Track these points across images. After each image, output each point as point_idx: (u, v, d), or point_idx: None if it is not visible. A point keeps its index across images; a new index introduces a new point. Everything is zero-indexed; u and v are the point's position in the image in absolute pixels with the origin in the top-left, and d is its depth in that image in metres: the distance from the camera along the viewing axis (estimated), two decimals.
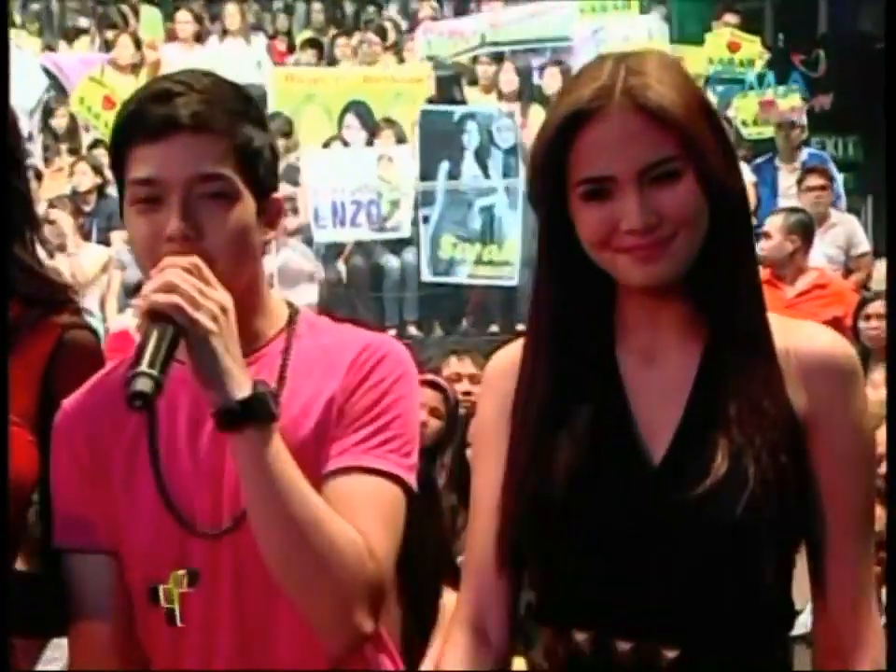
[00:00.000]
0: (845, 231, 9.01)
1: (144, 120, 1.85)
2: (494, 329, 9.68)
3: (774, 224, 7.69)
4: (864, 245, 9.02)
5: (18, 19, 13.17)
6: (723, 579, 1.68)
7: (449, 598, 3.67)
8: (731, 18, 12.01)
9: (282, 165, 8.61)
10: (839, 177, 9.93)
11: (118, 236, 9.43)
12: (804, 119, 10.41)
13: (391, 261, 9.96)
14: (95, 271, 9.34)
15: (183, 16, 12.19)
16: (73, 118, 11.04)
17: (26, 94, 10.64)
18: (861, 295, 7.57)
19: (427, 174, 9.90)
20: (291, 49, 13.19)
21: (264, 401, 1.76)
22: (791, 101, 10.39)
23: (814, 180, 9.01)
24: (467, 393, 5.16)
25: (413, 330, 9.71)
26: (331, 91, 11.19)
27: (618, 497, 1.70)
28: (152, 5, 13.42)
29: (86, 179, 10.00)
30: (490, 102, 10.88)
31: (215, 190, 1.84)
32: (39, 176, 10.06)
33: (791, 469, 1.68)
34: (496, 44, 11.74)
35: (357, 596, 1.79)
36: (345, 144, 10.46)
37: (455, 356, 5.64)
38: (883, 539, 1.86)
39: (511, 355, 1.84)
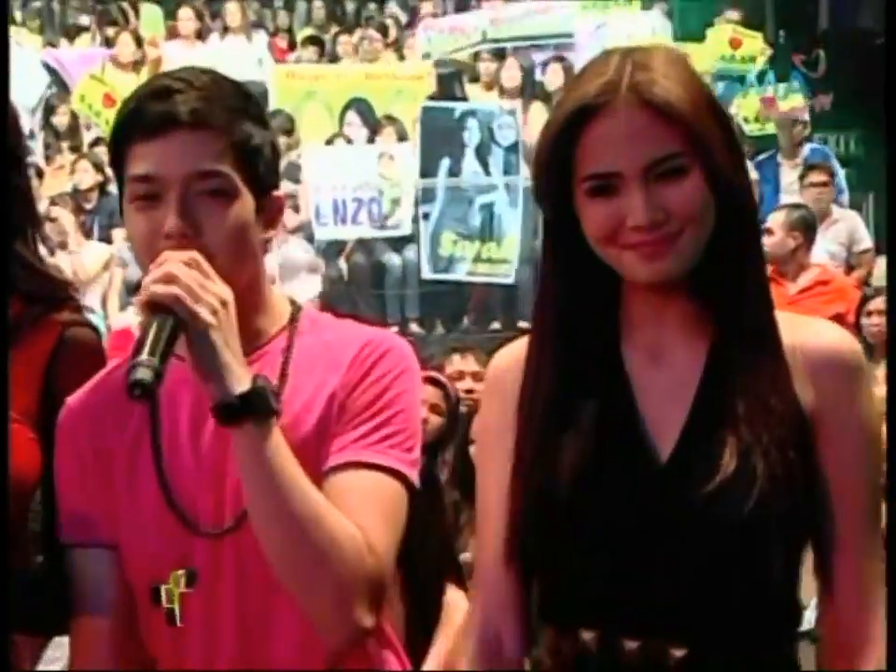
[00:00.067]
0: (846, 228, 9.01)
1: (142, 117, 1.84)
2: (495, 326, 9.67)
3: (776, 220, 7.69)
4: (866, 241, 9.02)
5: (19, 16, 13.17)
6: (732, 577, 1.67)
7: (452, 596, 3.67)
8: (732, 14, 11.99)
9: (283, 163, 8.59)
10: (841, 173, 9.92)
11: (119, 234, 9.43)
12: (806, 116, 10.40)
13: (392, 259, 9.96)
14: (97, 268, 9.35)
15: (185, 13, 12.18)
16: (74, 115, 11.04)
17: (27, 92, 10.65)
18: (863, 291, 7.57)
19: (427, 171, 9.89)
20: (292, 46, 13.19)
21: (263, 396, 1.75)
22: (792, 101, 10.38)
23: (816, 176, 9.01)
24: (469, 391, 5.15)
25: (414, 328, 9.70)
26: (332, 89, 11.19)
27: (625, 494, 1.69)
28: (152, 2, 13.42)
29: (87, 177, 10.01)
30: (492, 99, 10.87)
31: (213, 187, 1.84)
32: (41, 174, 10.07)
33: (798, 465, 1.68)
34: (496, 40, 11.73)
35: (357, 591, 1.78)
36: (349, 141, 10.45)
37: (458, 353, 5.63)
38: (884, 536, 1.85)
39: (514, 352, 1.83)
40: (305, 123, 10.92)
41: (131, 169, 1.85)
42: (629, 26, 11.22)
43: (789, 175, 9.82)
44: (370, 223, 9.88)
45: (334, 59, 12.42)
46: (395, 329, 8.87)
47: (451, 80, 11.04)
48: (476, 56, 11.65)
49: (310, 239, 9.82)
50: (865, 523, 1.72)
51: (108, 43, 12.13)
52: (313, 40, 12.75)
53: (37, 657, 2.13)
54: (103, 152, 9.64)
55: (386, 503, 1.85)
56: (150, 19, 12.99)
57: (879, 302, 6.60)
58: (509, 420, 1.78)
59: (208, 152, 1.83)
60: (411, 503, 1.88)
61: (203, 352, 1.75)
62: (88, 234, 9.78)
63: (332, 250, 10.01)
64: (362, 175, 9.86)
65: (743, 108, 10.66)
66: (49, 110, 11.37)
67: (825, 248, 8.59)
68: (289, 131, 10.43)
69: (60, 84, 11.69)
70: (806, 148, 10.18)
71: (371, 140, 10.45)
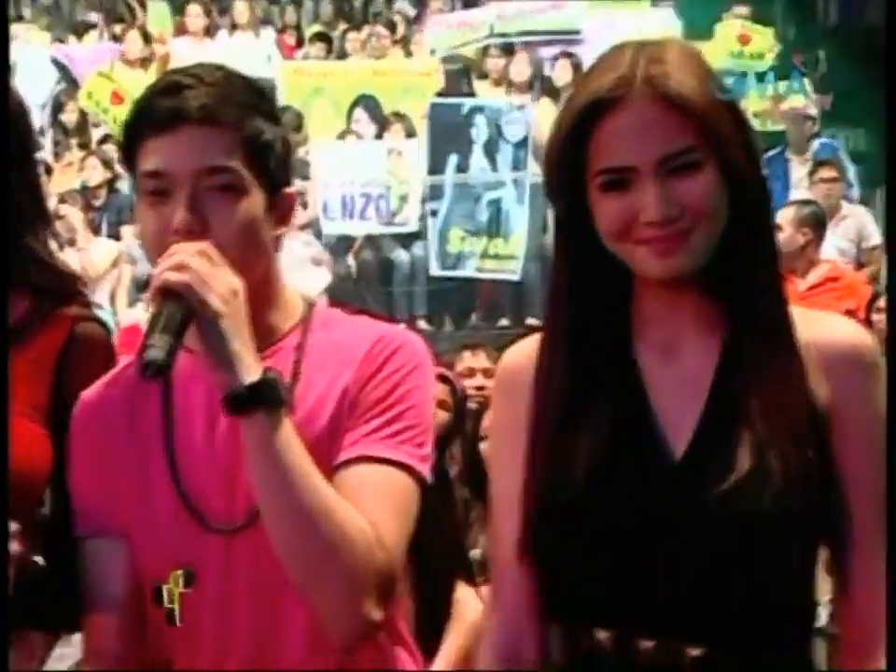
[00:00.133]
0: (856, 224, 8.98)
1: (153, 113, 1.85)
2: (504, 322, 9.65)
3: (785, 217, 7.66)
4: (875, 237, 8.98)
5: (27, 13, 13.18)
6: (748, 575, 1.65)
7: (462, 593, 3.66)
8: (741, 9, 11.97)
9: None
10: (851, 168, 9.90)
11: (128, 231, 9.44)
12: (814, 111, 10.38)
13: (401, 255, 9.95)
14: (105, 265, 9.35)
15: (194, 9, 12.16)
16: (83, 112, 11.03)
17: (37, 89, 10.65)
18: (874, 288, 7.55)
19: (435, 167, 9.88)
20: (300, 42, 13.16)
21: (274, 386, 1.75)
22: (794, 101, 10.37)
23: (825, 172, 8.99)
24: (480, 387, 5.14)
25: (422, 324, 9.69)
26: (340, 85, 11.18)
27: (638, 492, 1.67)
28: None
29: (96, 174, 10.01)
30: (500, 95, 10.85)
31: (222, 183, 1.84)
32: (49, 171, 10.07)
33: (814, 462, 1.66)
34: (504, 35, 11.71)
35: (367, 585, 1.78)
36: (359, 137, 10.45)
37: (469, 350, 5.63)
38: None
39: (524, 349, 1.82)
40: (313, 120, 10.92)
41: (141, 165, 1.86)
42: (638, 21, 11.20)
43: (798, 170, 9.79)
44: (378, 219, 9.88)
45: (342, 55, 12.40)
46: (403, 325, 8.86)
47: (459, 76, 11.03)
48: (484, 52, 11.62)
49: (318, 235, 9.82)
50: (882, 519, 1.70)
51: (116, 40, 12.13)
52: (321, 37, 12.74)
53: (46, 654, 2.12)
54: (111, 149, 9.65)
55: (397, 498, 1.84)
56: (158, 15, 12.98)
57: None
58: (521, 417, 1.76)
59: (218, 148, 1.83)
60: (422, 498, 1.88)
61: (214, 340, 1.74)
62: (96, 231, 9.78)
63: (341, 247, 10.01)
64: (370, 171, 9.86)
65: (752, 104, 10.64)
66: (57, 107, 11.37)
67: (835, 244, 8.56)
68: (299, 127, 10.43)
69: (69, 80, 11.70)
70: (816, 144, 10.16)
71: (378, 136, 10.44)
